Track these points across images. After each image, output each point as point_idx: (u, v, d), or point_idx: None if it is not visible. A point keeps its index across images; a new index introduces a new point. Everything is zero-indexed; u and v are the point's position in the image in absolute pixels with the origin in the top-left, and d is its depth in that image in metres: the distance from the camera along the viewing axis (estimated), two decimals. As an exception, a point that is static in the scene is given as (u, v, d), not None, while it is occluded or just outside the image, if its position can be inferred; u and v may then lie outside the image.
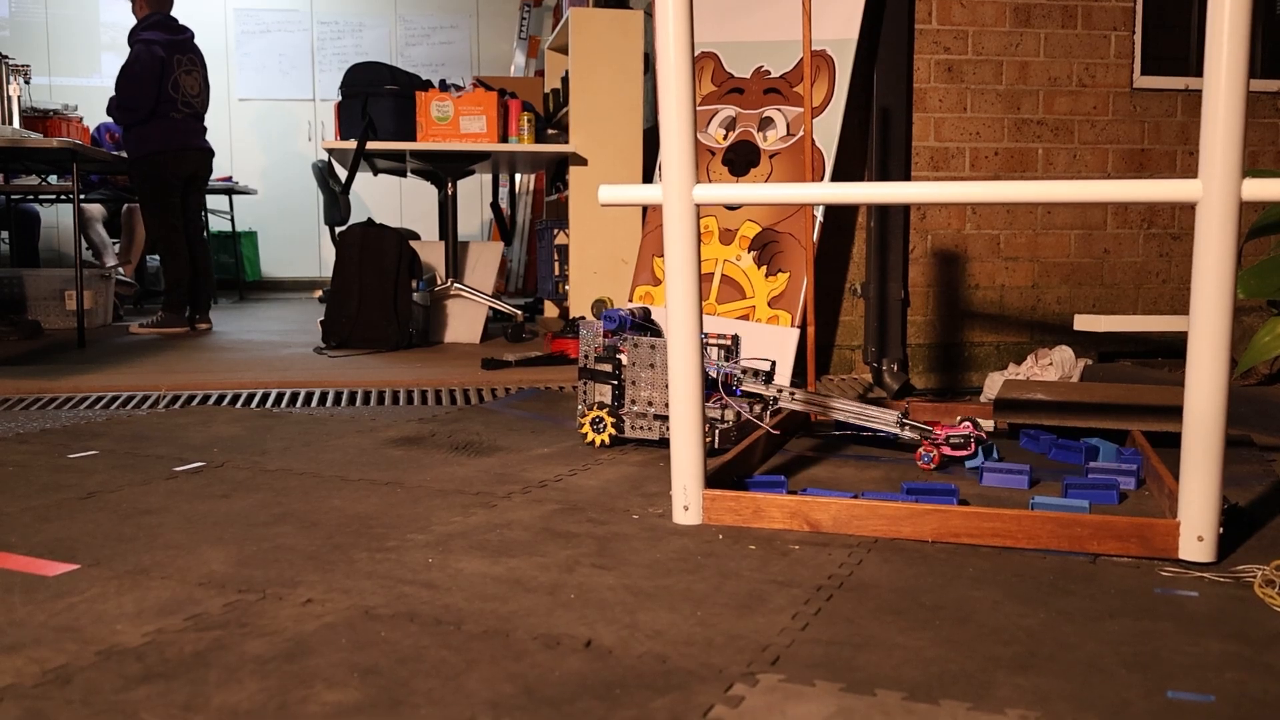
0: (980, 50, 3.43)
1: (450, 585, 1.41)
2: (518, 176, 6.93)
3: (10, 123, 4.47)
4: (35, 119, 4.96)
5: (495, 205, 6.09)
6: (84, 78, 7.76)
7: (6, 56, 4.49)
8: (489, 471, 2.13)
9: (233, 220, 7.49)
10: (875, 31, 3.34)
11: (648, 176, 4.56)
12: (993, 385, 3.18)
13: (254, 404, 2.98)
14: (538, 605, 1.34)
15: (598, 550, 1.59)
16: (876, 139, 3.36)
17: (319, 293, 7.24)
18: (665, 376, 2.28)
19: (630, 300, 3.55)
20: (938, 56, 3.42)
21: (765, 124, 3.34)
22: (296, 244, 8.25)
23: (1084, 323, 3.21)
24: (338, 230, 6.66)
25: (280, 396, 3.09)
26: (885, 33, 3.33)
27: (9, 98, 4.50)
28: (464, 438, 2.48)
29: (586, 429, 2.37)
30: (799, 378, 3.15)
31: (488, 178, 7.56)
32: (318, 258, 8.31)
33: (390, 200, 8.17)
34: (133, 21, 4.92)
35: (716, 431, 2.28)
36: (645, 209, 3.90)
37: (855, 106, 3.38)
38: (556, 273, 4.87)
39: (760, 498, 1.73)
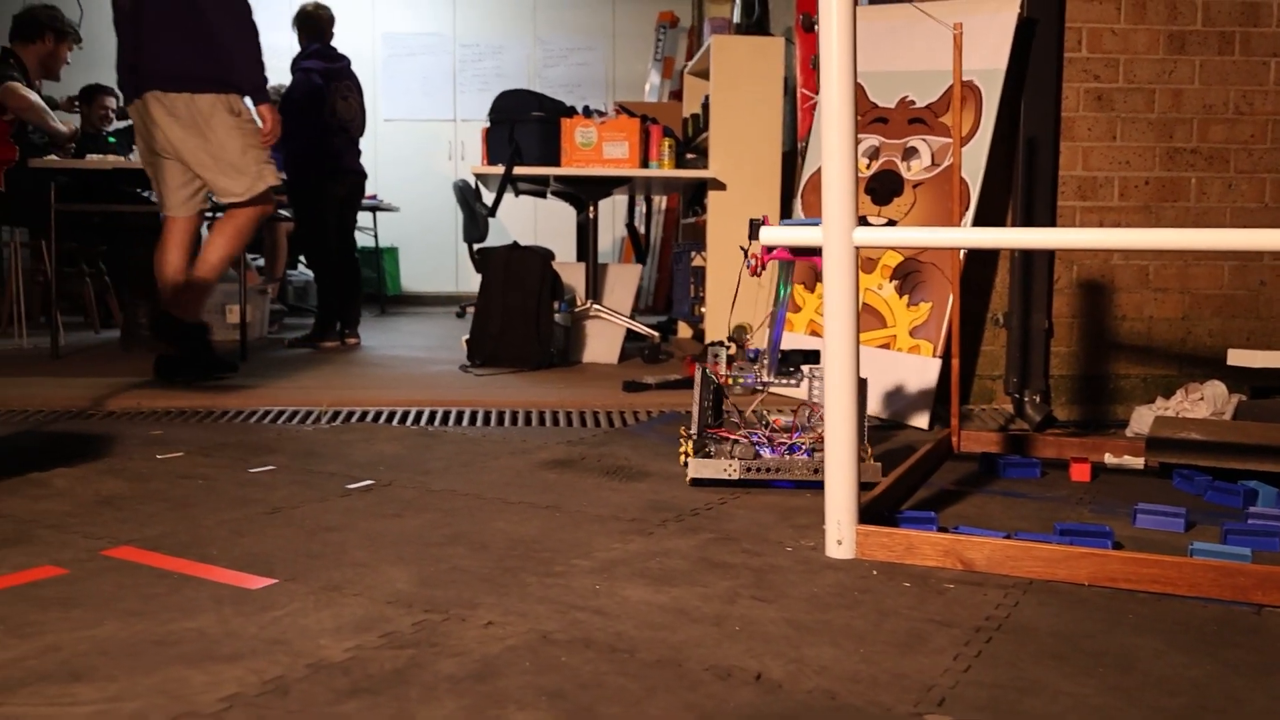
0: (1132, 78, 3.38)
1: (619, 613, 1.49)
2: (653, 197, 7.03)
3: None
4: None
5: (631, 226, 6.19)
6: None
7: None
8: (641, 498, 2.20)
9: (376, 236, 7.78)
10: (1023, 61, 3.32)
11: (785, 201, 4.60)
12: (1139, 419, 3.13)
13: (409, 421, 3.12)
14: (705, 636, 1.40)
15: (755, 582, 1.64)
16: (1023, 169, 3.35)
17: (459, 309, 7.47)
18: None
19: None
20: (1087, 85, 3.38)
21: (909, 154, 3.35)
22: (435, 260, 8.52)
23: (1238, 358, 3.13)
24: (476, 248, 6.86)
25: (433, 415, 3.22)
26: (1034, 62, 3.32)
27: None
28: (614, 462, 2.57)
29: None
30: (941, 407, 3.15)
31: (621, 198, 7.68)
32: (455, 273, 8.56)
33: (525, 219, 8.37)
34: (294, 48, 5.17)
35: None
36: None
37: (1000, 136, 3.37)
38: (693, 294, 4.95)
39: (913, 535, 1.77)
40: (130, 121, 5.83)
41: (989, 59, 3.22)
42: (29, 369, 4.07)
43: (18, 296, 5.05)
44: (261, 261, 6.41)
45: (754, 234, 2.14)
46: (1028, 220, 3.34)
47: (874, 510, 1.95)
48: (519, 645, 1.35)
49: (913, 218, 3.31)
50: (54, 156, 4.47)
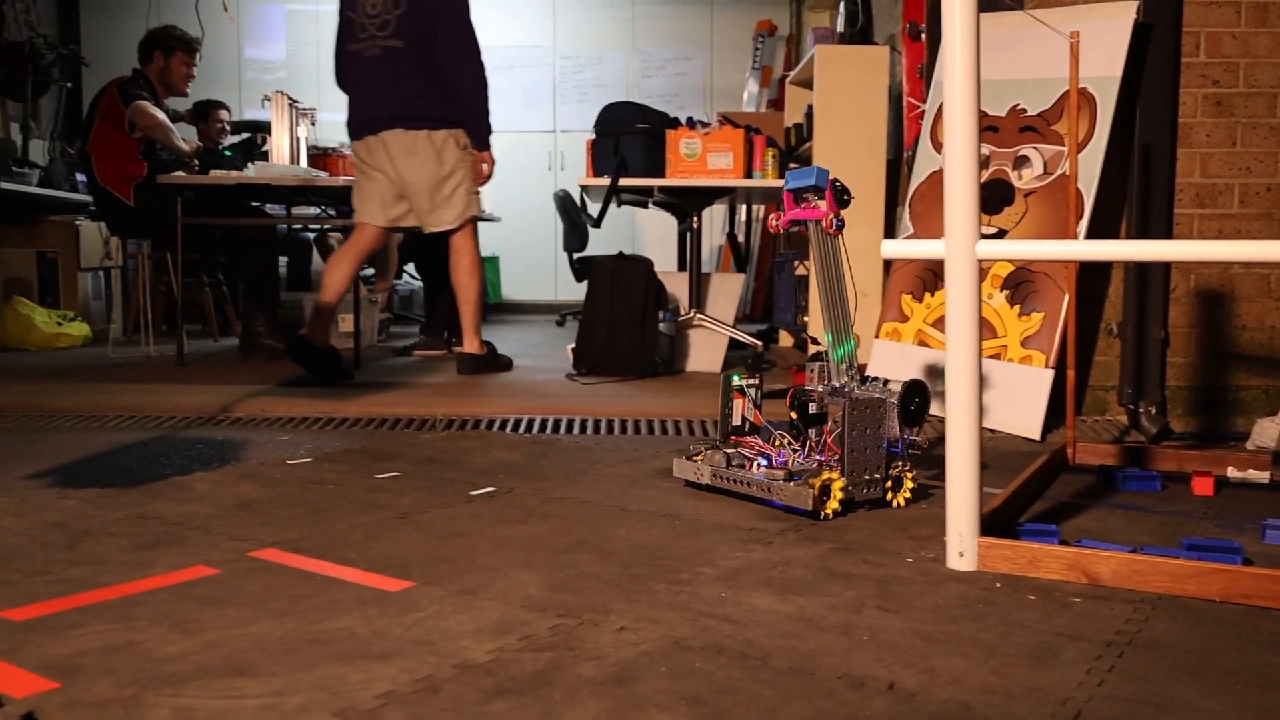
0: (1253, 82, 3.31)
1: (748, 620, 1.52)
2: (753, 206, 7.05)
3: (299, 161, 4.92)
4: (315, 156, 5.42)
5: (732, 235, 6.22)
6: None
7: (295, 101, 4.95)
8: (756, 507, 2.23)
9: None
10: (1138, 67, 3.27)
11: (889, 209, 4.59)
12: (1262, 432, 3.06)
13: (521, 429, 3.19)
14: (834, 645, 1.43)
15: (879, 592, 1.66)
16: (1138, 176, 3.29)
17: (559, 317, 7.57)
18: (877, 438, 2.21)
19: (877, 337, 3.59)
20: (1205, 90, 3.32)
21: (1020, 162, 3.33)
22: (534, 268, 8.65)
23: (1368, 369, 3.04)
24: (576, 257, 6.97)
25: (544, 423, 3.29)
26: (1149, 68, 3.26)
27: (298, 139, 4.95)
28: (725, 471, 2.60)
29: (832, 503, 2.13)
30: (1055, 419, 3.12)
31: (720, 207, 7.72)
32: (554, 282, 8.67)
33: (625, 228, 8.45)
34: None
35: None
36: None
37: (1114, 143, 3.32)
38: (796, 303, 4.95)
39: (1036, 548, 1.76)
40: (245, 136, 6.06)
41: (1104, 66, 3.18)
42: (158, 376, 4.26)
43: (145, 306, 5.27)
44: (371, 272, 6.59)
45: (841, 201, 2.21)
46: (1143, 229, 3.29)
47: (994, 522, 1.95)
48: (653, 651, 1.39)
49: (1024, 227, 3.28)
50: (181, 173, 4.66)
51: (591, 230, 6.48)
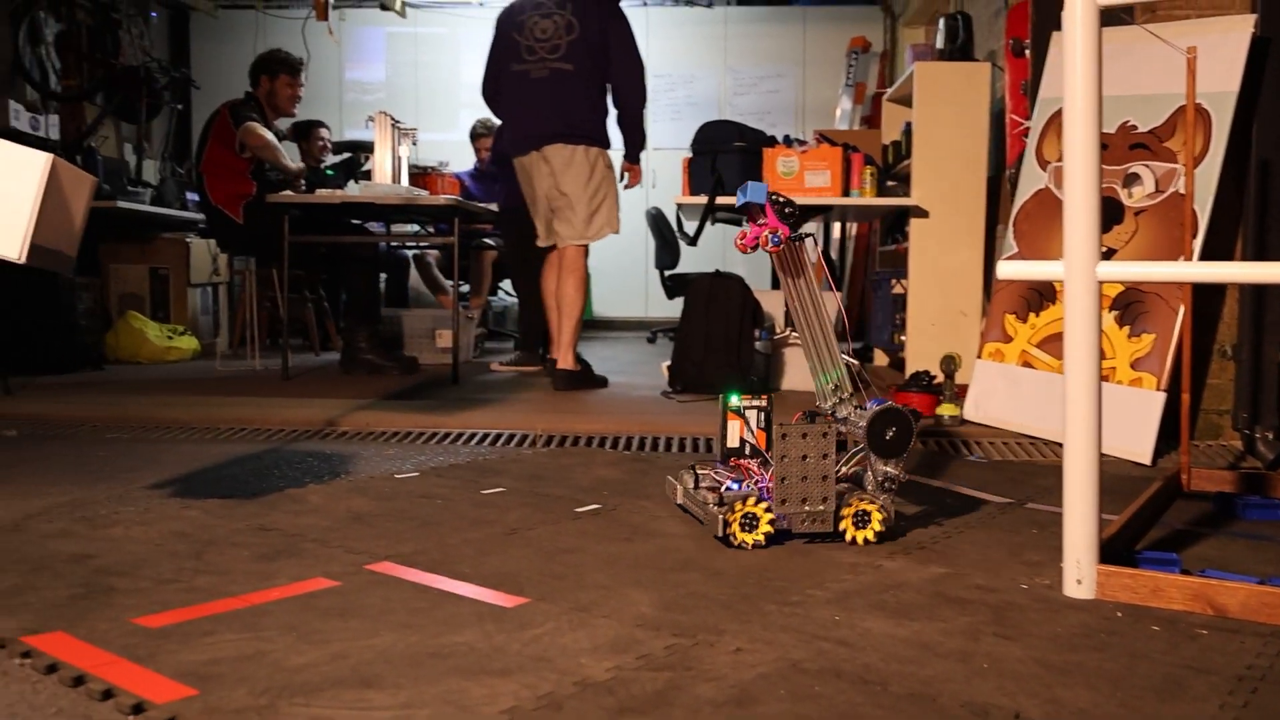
0: (1377, 97, 3.19)
1: (862, 644, 1.51)
2: (848, 224, 7.00)
3: (400, 180, 5.02)
4: (415, 175, 5.53)
5: (827, 254, 6.19)
6: (445, 133, 8.53)
7: (398, 122, 5.05)
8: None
9: (570, 263, 8.00)
10: (1255, 81, 3.18)
11: (990, 228, 4.52)
12: (1388, 459, 2.95)
13: (620, 447, 3.20)
14: (953, 672, 1.41)
15: (995, 619, 1.63)
16: (1255, 193, 3.20)
17: (650, 334, 7.60)
18: (820, 467, 2.05)
19: (979, 357, 3.54)
20: (1326, 105, 3.21)
21: (1130, 180, 3.26)
22: (626, 285, 8.69)
23: None
24: (668, 274, 6.98)
25: (642, 442, 3.30)
26: (1268, 82, 3.18)
27: (400, 158, 5.05)
28: (829, 492, 2.58)
29: (735, 529, 2.04)
30: (1165, 443, 3.04)
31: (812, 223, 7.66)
32: (644, 298, 8.70)
33: (715, 244, 8.41)
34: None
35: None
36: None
37: (1229, 160, 3.23)
38: (893, 322, 4.91)
39: (1159, 577, 1.72)
40: (346, 155, 6.21)
41: (1220, 81, 3.10)
42: (265, 389, 4.37)
43: (251, 321, 5.43)
44: (466, 288, 6.69)
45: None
46: (1260, 247, 3.20)
47: (1110, 549, 1.90)
48: (771, 673, 1.39)
49: (1134, 246, 3.21)
50: (289, 192, 4.79)
51: (684, 247, 6.51)
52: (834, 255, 7.32)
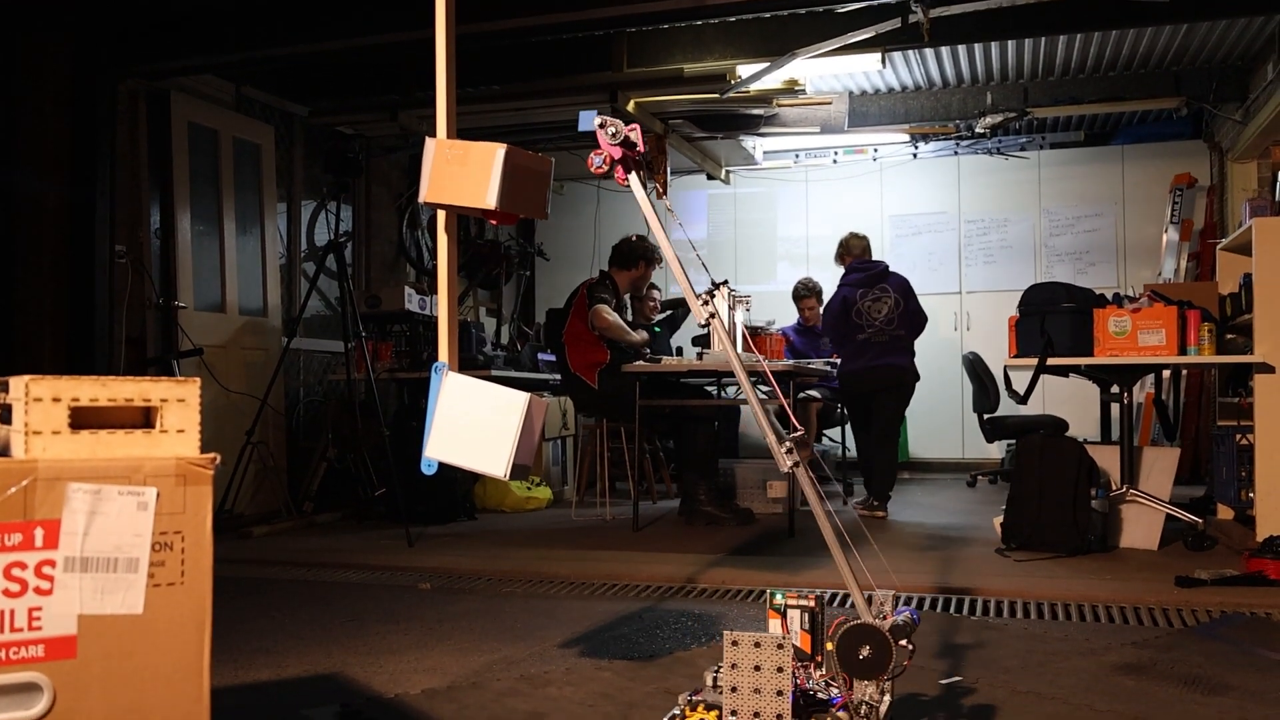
0: None
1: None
2: (1182, 373, 6.83)
3: (737, 344, 5.45)
4: (750, 335, 5.96)
5: (1159, 401, 6.08)
6: (762, 284, 9.03)
7: (734, 290, 5.51)
8: (1229, 714, 2.28)
9: (887, 407, 8.19)
10: None
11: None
12: None
13: (964, 610, 3.36)
14: None
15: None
16: None
17: (970, 477, 7.61)
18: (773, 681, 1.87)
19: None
20: None
21: None
22: (942, 427, 8.74)
23: None
24: (987, 417, 7.02)
25: (986, 605, 3.44)
26: None
27: (735, 324, 5.50)
28: (1187, 670, 2.64)
29: None
30: None
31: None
32: (960, 440, 8.71)
33: (1038, 390, 8.38)
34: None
35: None
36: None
37: None
38: (1239, 477, 4.78)
39: None
40: (669, 313, 6.78)
41: None
42: (621, 542, 4.84)
43: (602, 475, 5.97)
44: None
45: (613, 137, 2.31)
46: None
47: None
48: None
49: None
50: (642, 362, 5.32)
51: (1005, 391, 6.57)
52: (1164, 396, 7.12)
